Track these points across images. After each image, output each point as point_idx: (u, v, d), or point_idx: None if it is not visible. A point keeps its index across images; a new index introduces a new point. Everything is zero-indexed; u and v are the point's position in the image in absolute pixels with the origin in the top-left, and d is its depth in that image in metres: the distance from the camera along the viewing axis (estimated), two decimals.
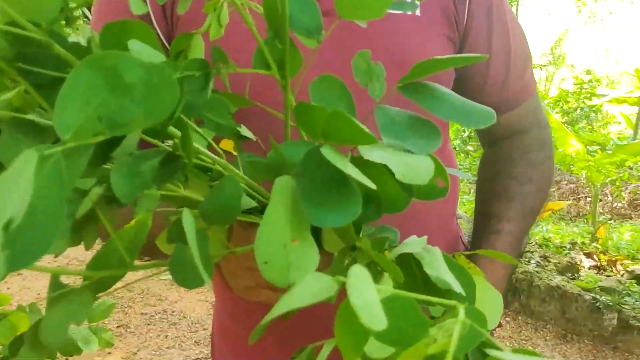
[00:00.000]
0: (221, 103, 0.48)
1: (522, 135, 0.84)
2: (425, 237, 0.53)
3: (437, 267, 0.53)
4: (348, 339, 0.32)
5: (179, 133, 0.42)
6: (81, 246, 0.45)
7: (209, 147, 0.48)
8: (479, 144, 1.03)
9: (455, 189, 0.83)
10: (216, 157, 0.46)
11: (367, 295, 0.30)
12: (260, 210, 0.52)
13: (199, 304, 3.44)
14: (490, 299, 0.66)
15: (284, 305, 0.32)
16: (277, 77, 0.47)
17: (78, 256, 4.09)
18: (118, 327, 3.12)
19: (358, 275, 0.30)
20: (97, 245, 0.44)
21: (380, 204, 0.49)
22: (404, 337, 0.33)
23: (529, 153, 0.84)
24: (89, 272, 0.38)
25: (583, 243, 4.47)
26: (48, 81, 0.37)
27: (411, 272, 0.54)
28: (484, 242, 0.81)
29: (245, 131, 0.52)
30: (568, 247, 4.25)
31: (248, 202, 0.51)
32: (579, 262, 3.62)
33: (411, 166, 0.44)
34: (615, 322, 2.41)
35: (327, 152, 0.41)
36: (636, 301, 2.50)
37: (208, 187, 0.52)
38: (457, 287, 0.52)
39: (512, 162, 0.84)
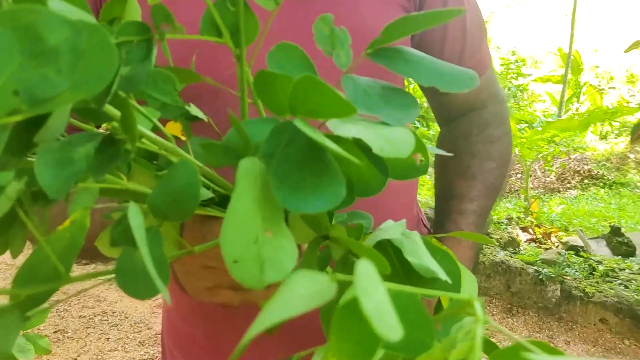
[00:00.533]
0: (167, 78, 0.41)
1: (480, 111, 0.81)
2: (404, 220, 0.49)
3: (418, 254, 0.48)
4: (350, 349, 0.26)
5: (117, 113, 0.35)
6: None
7: (155, 129, 0.40)
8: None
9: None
10: (164, 141, 0.39)
11: (379, 298, 0.25)
12: (218, 201, 0.46)
13: (141, 303, 3.30)
14: (466, 282, 0.62)
15: (272, 315, 0.26)
16: (231, 45, 0.40)
17: (6, 259, 3.85)
18: (55, 332, 2.95)
19: (366, 274, 0.24)
20: (28, 249, 0.37)
21: (353, 187, 0.43)
22: (412, 343, 0.28)
23: (487, 129, 0.80)
24: (14, 290, 0.30)
25: (519, 218, 4.60)
26: None
27: (390, 261, 0.49)
28: (449, 223, 0.77)
29: (195, 111, 0.45)
30: (505, 222, 4.35)
31: (203, 193, 0.44)
32: (516, 237, 3.72)
33: (389, 139, 0.39)
34: (558, 293, 2.47)
35: (302, 126, 0.35)
36: (576, 272, 2.57)
37: (155, 178, 0.45)
38: (442, 275, 0.47)
39: (471, 139, 0.80)
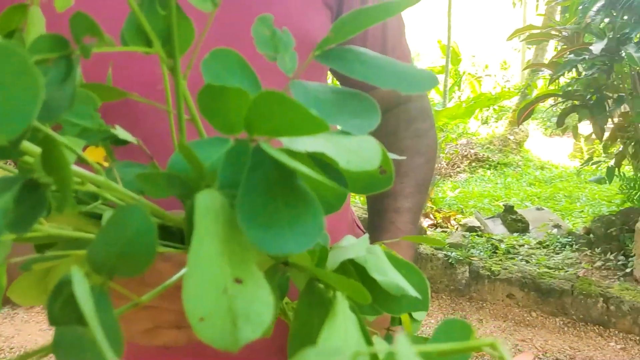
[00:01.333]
0: (86, 99, 0.34)
1: (405, 106, 0.79)
2: (367, 236, 0.45)
3: (384, 270, 0.44)
4: None
5: (37, 149, 0.28)
6: None
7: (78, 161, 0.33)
8: None
9: None
10: (93, 175, 0.32)
11: None
12: (160, 235, 0.39)
13: (41, 335, 3.04)
14: (419, 285, 0.59)
15: None
16: (162, 55, 0.34)
17: None
18: None
19: (406, 346, 0.20)
20: None
21: None
22: None
23: (414, 123, 0.79)
24: None
25: None
26: None
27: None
28: (385, 222, 0.75)
29: (123, 134, 0.38)
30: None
31: None
32: (419, 224, 3.83)
33: (355, 151, 0.34)
34: (467, 274, 2.56)
35: (269, 149, 0.30)
36: (481, 252, 2.69)
37: (79, 216, 0.37)
38: (411, 291, 0.44)
39: (399, 135, 0.78)
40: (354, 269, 0.44)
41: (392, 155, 0.44)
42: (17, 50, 0.21)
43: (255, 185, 0.31)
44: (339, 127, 0.37)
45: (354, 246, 0.43)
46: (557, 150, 7.82)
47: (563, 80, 3.23)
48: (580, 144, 6.59)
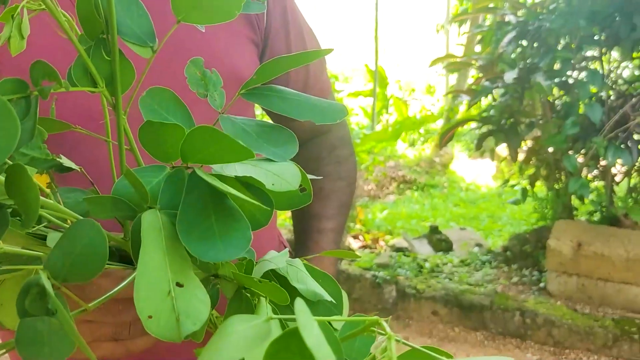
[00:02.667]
0: (36, 132, 0.39)
1: (327, 135, 0.86)
2: (287, 249, 0.51)
3: (303, 279, 0.50)
4: None
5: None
6: None
7: None
8: None
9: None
10: (42, 198, 0.37)
11: (316, 332, 0.26)
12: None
13: None
14: (334, 292, 0.65)
15: (215, 344, 0.26)
16: (106, 94, 0.39)
17: None
18: None
19: (304, 312, 0.26)
20: None
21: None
22: None
23: (335, 150, 0.85)
24: None
25: (349, 226, 4.86)
26: None
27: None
28: (310, 242, 0.81)
29: (67, 162, 0.43)
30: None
31: None
32: (349, 245, 3.92)
33: (279, 174, 0.41)
34: (394, 293, 2.66)
35: (202, 174, 0.35)
36: (407, 271, 2.79)
37: (26, 237, 0.41)
38: (327, 297, 0.50)
39: (321, 161, 0.85)
40: (276, 280, 0.50)
41: (310, 176, 0.51)
42: (1, 98, 0.26)
43: (191, 205, 0.36)
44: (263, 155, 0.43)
45: (276, 259, 0.48)
46: (481, 172, 8.14)
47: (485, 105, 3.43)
48: (501, 166, 6.92)
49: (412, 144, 8.95)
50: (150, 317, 0.32)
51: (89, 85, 0.38)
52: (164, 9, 0.43)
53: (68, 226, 0.36)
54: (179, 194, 0.36)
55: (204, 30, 0.41)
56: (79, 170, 0.44)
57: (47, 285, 0.27)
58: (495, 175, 7.77)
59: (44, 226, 0.42)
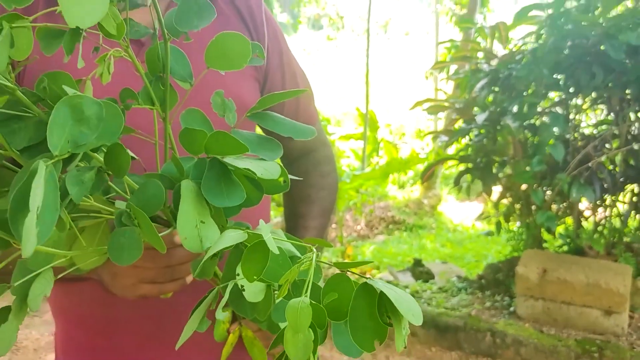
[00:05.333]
0: None
1: (313, 153, 1.09)
2: (272, 222, 0.73)
3: (284, 243, 0.73)
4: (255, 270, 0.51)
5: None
6: None
7: None
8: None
9: (267, 198, 1.04)
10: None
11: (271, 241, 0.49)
12: None
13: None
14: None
15: (218, 245, 0.49)
16: (159, 111, 0.63)
17: None
18: None
19: (267, 229, 0.49)
20: None
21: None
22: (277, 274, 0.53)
23: (319, 166, 1.08)
24: None
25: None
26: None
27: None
28: (297, 235, 1.02)
29: (130, 153, 0.66)
30: (326, 267, 4.75)
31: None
32: None
33: (266, 168, 0.64)
34: None
35: (220, 159, 0.58)
36: None
37: (102, 199, 0.64)
38: (297, 252, 0.72)
39: (309, 174, 1.07)
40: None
41: (293, 177, 0.74)
42: (114, 106, 0.49)
43: (210, 177, 0.59)
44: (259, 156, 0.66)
45: (264, 228, 0.71)
46: (468, 214, 8.31)
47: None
48: (487, 208, 7.13)
49: (402, 186, 9.16)
50: (185, 238, 0.55)
51: (149, 104, 0.62)
52: (197, 59, 0.66)
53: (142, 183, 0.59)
54: (202, 171, 0.59)
55: (223, 73, 0.65)
56: (136, 159, 0.66)
57: (133, 213, 0.50)
58: (480, 216, 7.96)
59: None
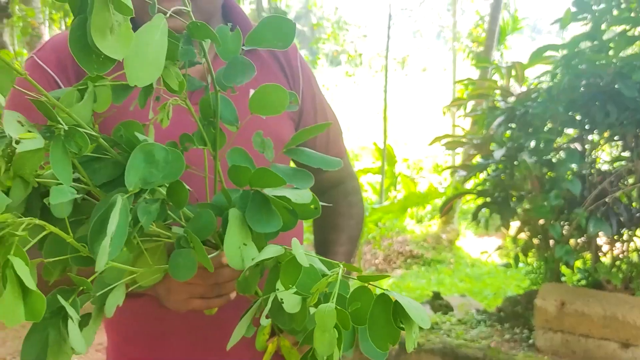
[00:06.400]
0: None
1: (342, 185, 1.18)
2: (302, 243, 0.82)
3: (315, 261, 0.82)
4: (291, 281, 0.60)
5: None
6: None
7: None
8: None
9: (300, 226, 1.13)
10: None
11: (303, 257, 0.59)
12: None
13: None
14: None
15: (261, 257, 0.59)
16: (210, 150, 0.73)
17: None
18: None
19: (299, 247, 0.58)
20: None
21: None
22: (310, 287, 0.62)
23: (348, 197, 1.18)
24: None
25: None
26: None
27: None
28: None
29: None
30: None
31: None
32: None
33: (299, 194, 0.73)
34: (397, 347, 2.90)
35: (262, 192, 0.68)
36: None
37: (161, 225, 0.74)
38: (327, 271, 0.81)
39: (338, 204, 1.16)
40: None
41: (324, 204, 0.83)
42: (178, 152, 0.59)
43: (253, 207, 0.68)
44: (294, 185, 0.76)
45: (296, 246, 0.80)
46: (487, 249, 8.27)
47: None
48: (505, 243, 7.10)
49: (420, 221, 9.18)
50: (230, 257, 0.64)
51: (202, 144, 0.72)
52: (240, 101, 0.76)
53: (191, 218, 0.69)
54: (247, 202, 0.69)
55: (264, 117, 0.75)
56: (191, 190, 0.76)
57: (189, 237, 0.60)
58: (497, 249, 7.91)
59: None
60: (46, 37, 6.35)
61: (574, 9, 2.97)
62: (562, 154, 3.14)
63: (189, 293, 0.78)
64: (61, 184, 0.54)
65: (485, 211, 3.40)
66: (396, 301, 0.58)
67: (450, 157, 10.28)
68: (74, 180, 0.60)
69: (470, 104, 3.97)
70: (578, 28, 3.32)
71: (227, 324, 0.82)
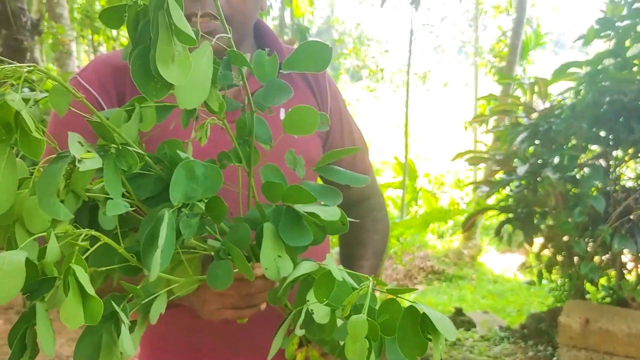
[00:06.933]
0: None
1: (368, 201, 1.21)
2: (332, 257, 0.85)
3: (345, 275, 0.85)
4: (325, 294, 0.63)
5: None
6: None
7: None
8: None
9: (327, 240, 1.16)
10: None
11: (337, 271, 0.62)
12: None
13: None
14: None
15: (296, 273, 0.62)
16: (245, 167, 0.77)
17: None
18: None
19: (332, 261, 0.61)
20: None
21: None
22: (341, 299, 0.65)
23: (373, 212, 1.21)
24: None
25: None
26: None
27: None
28: None
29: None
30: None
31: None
32: None
33: (328, 212, 0.76)
34: None
35: (294, 208, 0.72)
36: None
37: (198, 238, 0.77)
38: (354, 284, 0.84)
39: (364, 219, 1.19)
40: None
41: (351, 219, 0.86)
42: (216, 167, 0.63)
43: (286, 222, 0.72)
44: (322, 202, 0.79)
45: (329, 262, 0.83)
46: (509, 266, 8.18)
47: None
48: (528, 259, 7.02)
49: (441, 236, 9.13)
50: (267, 269, 0.68)
51: (237, 162, 0.76)
52: (272, 120, 0.80)
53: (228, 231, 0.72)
54: (279, 216, 0.72)
55: (297, 137, 0.78)
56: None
57: (228, 249, 0.63)
58: (521, 267, 7.80)
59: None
60: (75, 54, 6.53)
61: (597, 26, 2.98)
62: (586, 170, 3.13)
63: (222, 303, 0.81)
64: (109, 198, 0.58)
65: (507, 227, 3.39)
66: (424, 313, 0.61)
67: (472, 172, 10.23)
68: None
69: (492, 120, 3.98)
70: (602, 43, 3.33)
71: (254, 333, 0.85)
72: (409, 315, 0.61)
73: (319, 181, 1.11)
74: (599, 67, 3.00)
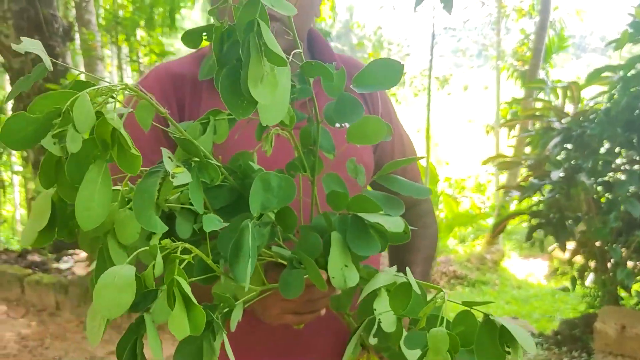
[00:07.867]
0: None
1: (417, 207, 1.21)
2: (395, 267, 0.85)
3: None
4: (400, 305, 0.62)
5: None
6: None
7: None
8: None
9: None
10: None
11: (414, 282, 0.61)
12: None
13: None
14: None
15: (369, 288, 0.62)
16: (309, 176, 0.77)
17: None
18: None
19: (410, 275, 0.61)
20: None
21: None
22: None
23: (423, 218, 1.20)
24: None
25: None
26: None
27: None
28: None
29: None
30: None
31: (284, 253, 0.78)
32: None
33: (392, 222, 0.76)
34: None
35: (361, 217, 0.72)
36: None
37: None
38: (417, 289, 0.83)
39: (413, 226, 1.18)
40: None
41: (412, 227, 0.85)
42: (289, 178, 0.63)
43: (352, 231, 0.72)
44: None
45: (390, 270, 0.83)
46: (533, 271, 8.08)
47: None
48: (554, 265, 6.93)
49: (463, 241, 9.05)
50: (334, 277, 0.68)
51: (301, 171, 0.76)
52: (333, 131, 0.80)
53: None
54: (345, 225, 0.72)
55: (358, 145, 0.78)
56: None
57: (301, 258, 0.63)
58: (547, 275, 7.70)
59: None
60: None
61: (631, 30, 2.94)
62: (620, 175, 3.08)
63: (283, 309, 0.82)
64: (185, 207, 0.59)
65: (539, 232, 3.36)
66: (502, 325, 0.60)
67: (494, 177, 10.15)
68: (190, 204, 0.64)
69: (518, 124, 3.94)
70: (629, 47, 3.28)
71: (309, 337, 0.85)
72: (486, 327, 0.61)
73: (369, 189, 1.11)
74: (633, 72, 2.96)
